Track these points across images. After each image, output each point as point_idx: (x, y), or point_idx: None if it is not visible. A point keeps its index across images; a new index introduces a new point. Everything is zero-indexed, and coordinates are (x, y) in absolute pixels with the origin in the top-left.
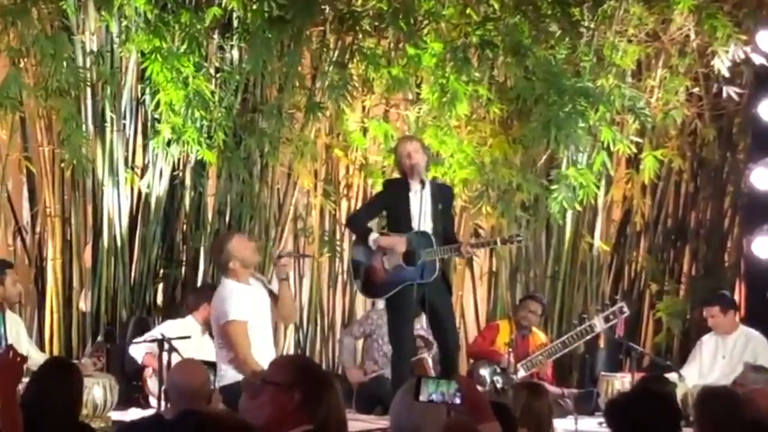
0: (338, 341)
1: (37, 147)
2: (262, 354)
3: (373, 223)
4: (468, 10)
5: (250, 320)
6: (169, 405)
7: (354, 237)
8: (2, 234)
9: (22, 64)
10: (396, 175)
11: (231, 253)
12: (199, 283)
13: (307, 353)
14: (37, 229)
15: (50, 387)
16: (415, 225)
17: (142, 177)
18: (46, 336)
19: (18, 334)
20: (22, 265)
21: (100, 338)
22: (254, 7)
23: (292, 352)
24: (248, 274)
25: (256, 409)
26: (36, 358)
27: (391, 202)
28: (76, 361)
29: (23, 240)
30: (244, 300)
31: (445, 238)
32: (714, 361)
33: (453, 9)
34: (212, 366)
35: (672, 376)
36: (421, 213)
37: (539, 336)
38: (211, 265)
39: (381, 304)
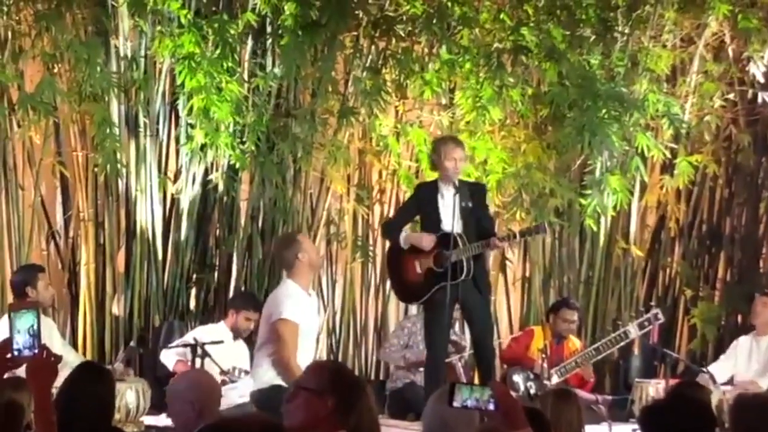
0: (381, 357)
1: (71, 152)
2: (305, 364)
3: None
4: (502, 15)
5: (302, 326)
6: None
7: (388, 242)
8: (36, 238)
9: (56, 69)
10: (426, 177)
11: (299, 251)
12: (231, 288)
13: (340, 358)
14: (71, 234)
15: (83, 391)
16: (445, 227)
17: (175, 182)
18: (79, 340)
19: (51, 336)
20: (55, 270)
21: (132, 343)
22: (288, 12)
23: (324, 357)
24: (309, 280)
25: (290, 414)
26: (72, 359)
27: (422, 206)
28: (108, 366)
29: (56, 244)
30: (302, 305)
31: (480, 235)
32: (748, 362)
33: (487, 14)
34: (246, 372)
35: (706, 381)
36: (452, 215)
37: (574, 342)
38: (245, 269)
39: (413, 309)
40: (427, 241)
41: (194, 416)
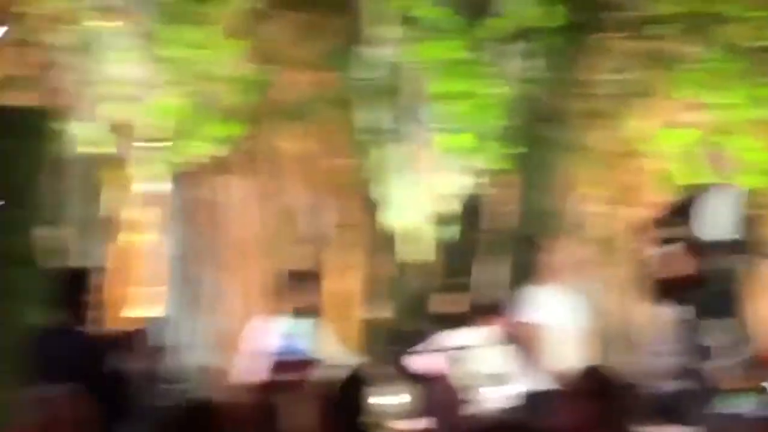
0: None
1: (330, 158)
2: (563, 365)
3: None
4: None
5: (550, 328)
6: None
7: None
8: (297, 245)
9: (308, 77)
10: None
11: (550, 256)
12: (489, 292)
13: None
14: (330, 241)
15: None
16: (710, 232)
17: (434, 187)
18: (339, 345)
19: (322, 340)
20: (320, 275)
21: (393, 347)
22: (544, 15)
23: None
24: (560, 282)
25: (557, 418)
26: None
27: (688, 208)
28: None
29: (311, 250)
30: (548, 307)
31: (746, 244)
32: None
33: (746, 8)
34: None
35: None
36: (719, 220)
37: None
38: (503, 273)
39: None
40: (694, 259)
41: (442, 420)
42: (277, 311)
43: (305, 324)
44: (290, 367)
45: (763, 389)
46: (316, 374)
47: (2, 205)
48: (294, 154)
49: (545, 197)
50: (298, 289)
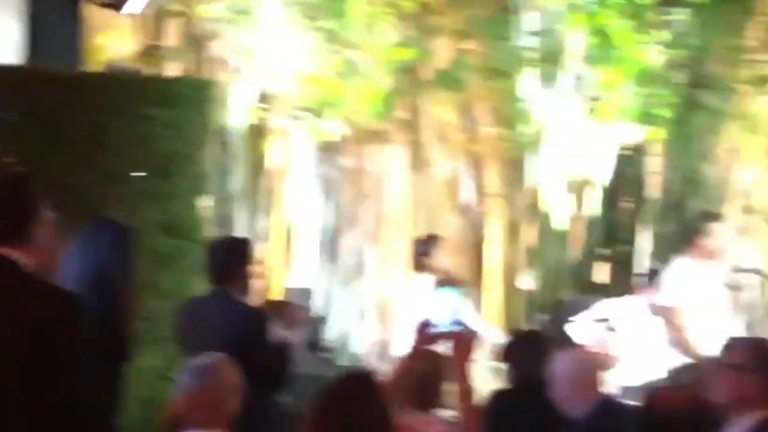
0: None
1: (481, 128)
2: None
3: None
4: None
5: (692, 300)
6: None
7: None
8: (445, 214)
9: (465, 46)
10: None
11: (704, 232)
12: (638, 262)
13: (756, 330)
14: (480, 209)
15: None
16: None
17: (584, 156)
18: (488, 314)
19: (465, 311)
20: (465, 244)
21: (541, 316)
22: None
23: (740, 329)
24: (711, 256)
25: (714, 391)
26: (483, 333)
27: None
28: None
29: (466, 220)
30: (687, 280)
31: None
32: None
33: None
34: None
35: None
36: None
37: None
38: (655, 243)
39: None
40: None
41: (571, 395)
42: (420, 279)
43: (453, 292)
44: (445, 337)
45: None
46: (461, 344)
47: (157, 175)
48: (446, 123)
49: (705, 166)
50: (432, 255)
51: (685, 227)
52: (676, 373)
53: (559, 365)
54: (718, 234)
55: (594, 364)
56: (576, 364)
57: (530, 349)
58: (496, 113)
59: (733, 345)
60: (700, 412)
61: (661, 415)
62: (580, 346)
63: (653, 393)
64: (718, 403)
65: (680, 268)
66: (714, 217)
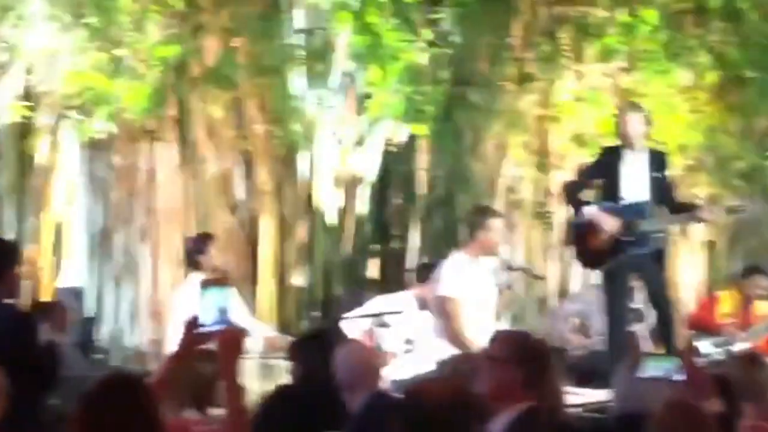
0: (550, 316)
1: (252, 125)
2: (481, 332)
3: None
4: None
5: (469, 297)
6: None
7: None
8: (217, 211)
9: (234, 44)
10: (606, 143)
11: (482, 230)
12: (409, 257)
13: (521, 324)
14: (252, 207)
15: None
16: (625, 195)
17: (353, 152)
18: (261, 311)
19: (234, 308)
20: (237, 242)
21: (313, 313)
22: None
23: (506, 323)
24: (482, 254)
25: (476, 384)
26: (254, 331)
27: (605, 171)
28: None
29: (238, 217)
30: (466, 276)
31: (671, 207)
32: None
33: None
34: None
35: None
36: (635, 182)
37: (761, 306)
38: (424, 239)
39: (594, 280)
40: (611, 224)
41: (350, 389)
42: (192, 278)
43: (220, 291)
44: (215, 336)
45: (682, 353)
46: (229, 343)
47: None
48: (217, 121)
49: (472, 162)
50: (205, 253)
51: (463, 222)
52: (443, 366)
53: (338, 360)
54: (496, 229)
55: (370, 358)
56: (353, 359)
57: (316, 346)
58: (267, 110)
59: (496, 338)
60: (462, 404)
61: (422, 407)
62: (356, 341)
63: (414, 386)
64: (483, 396)
65: (457, 262)
66: (492, 212)
